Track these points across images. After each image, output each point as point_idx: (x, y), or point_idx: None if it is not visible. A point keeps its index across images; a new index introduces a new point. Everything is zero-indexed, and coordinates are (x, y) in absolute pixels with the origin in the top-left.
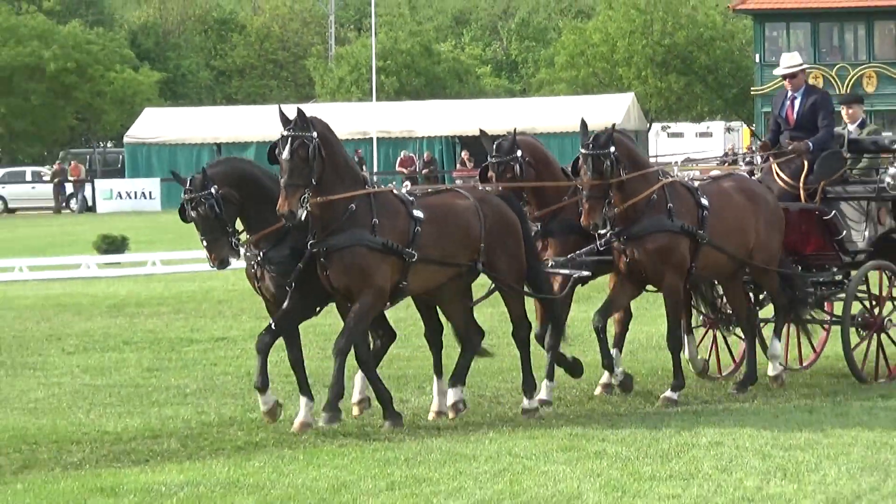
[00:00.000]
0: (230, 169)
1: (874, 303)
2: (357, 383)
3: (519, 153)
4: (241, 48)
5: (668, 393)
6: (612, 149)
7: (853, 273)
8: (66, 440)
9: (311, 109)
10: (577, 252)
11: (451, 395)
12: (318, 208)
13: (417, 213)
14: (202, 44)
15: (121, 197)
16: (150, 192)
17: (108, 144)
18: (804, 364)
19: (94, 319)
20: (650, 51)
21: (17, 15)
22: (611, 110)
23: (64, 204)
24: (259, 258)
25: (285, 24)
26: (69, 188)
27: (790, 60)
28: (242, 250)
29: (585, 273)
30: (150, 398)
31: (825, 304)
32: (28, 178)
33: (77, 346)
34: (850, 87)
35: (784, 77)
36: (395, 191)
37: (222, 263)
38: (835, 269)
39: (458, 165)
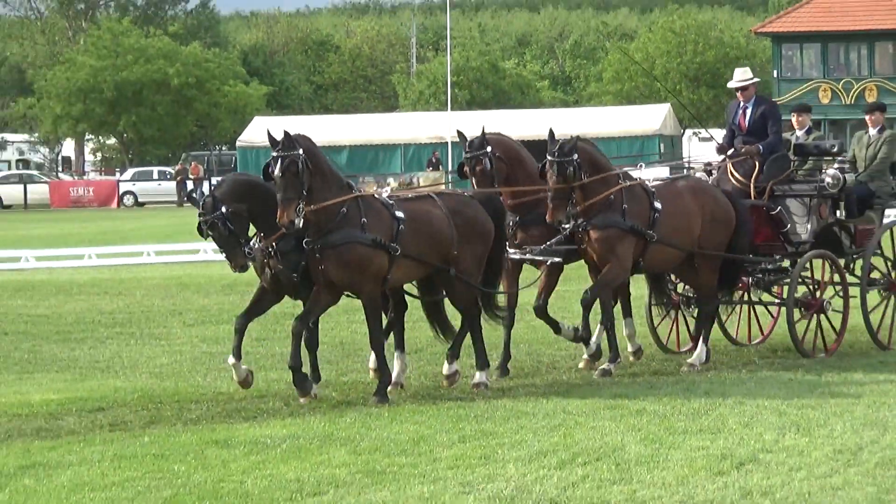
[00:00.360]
0: (234, 186)
1: (816, 287)
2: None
3: (489, 149)
4: (336, 66)
5: (607, 365)
6: (575, 156)
7: (798, 261)
8: (186, 399)
9: (395, 118)
10: (550, 242)
11: (448, 368)
12: (312, 213)
13: (399, 214)
14: (303, 62)
15: None
16: None
17: (223, 148)
18: (755, 342)
19: (211, 296)
20: (684, 67)
21: (146, 38)
22: (650, 118)
23: (185, 198)
24: (270, 251)
25: (374, 45)
26: (190, 185)
27: (742, 75)
28: (253, 243)
29: (557, 259)
30: (258, 364)
31: (773, 288)
32: (155, 176)
33: (196, 320)
34: (854, 99)
35: (736, 89)
36: (376, 195)
37: (242, 268)
38: (779, 258)
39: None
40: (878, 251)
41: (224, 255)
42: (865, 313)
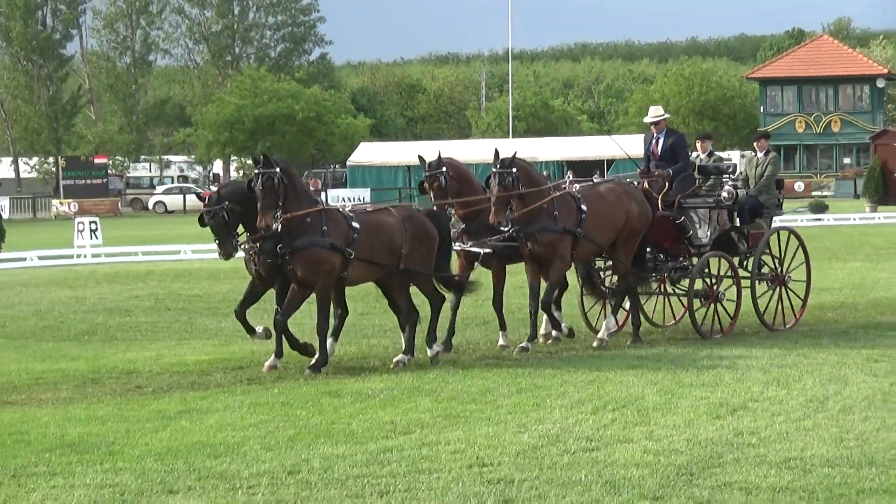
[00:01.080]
0: (235, 190)
1: (713, 281)
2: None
3: (444, 169)
4: (424, 103)
5: (524, 343)
6: (514, 169)
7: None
8: (306, 360)
9: (469, 144)
10: (487, 238)
11: (431, 351)
12: (284, 221)
13: (355, 225)
14: (398, 100)
15: (345, 201)
16: (363, 198)
17: (336, 166)
18: (668, 324)
19: None
20: (691, 104)
21: (278, 82)
22: None
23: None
24: (256, 249)
25: (452, 87)
26: None
27: (655, 112)
28: (242, 244)
29: (488, 249)
30: (362, 332)
31: (679, 281)
32: None
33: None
34: (823, 129)
35: (651, 124)
36: (339, 209)
37: (228, 256)
38: (682, 258)
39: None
40: (768, 251)
41: (216, 241)
42: (755, 301)
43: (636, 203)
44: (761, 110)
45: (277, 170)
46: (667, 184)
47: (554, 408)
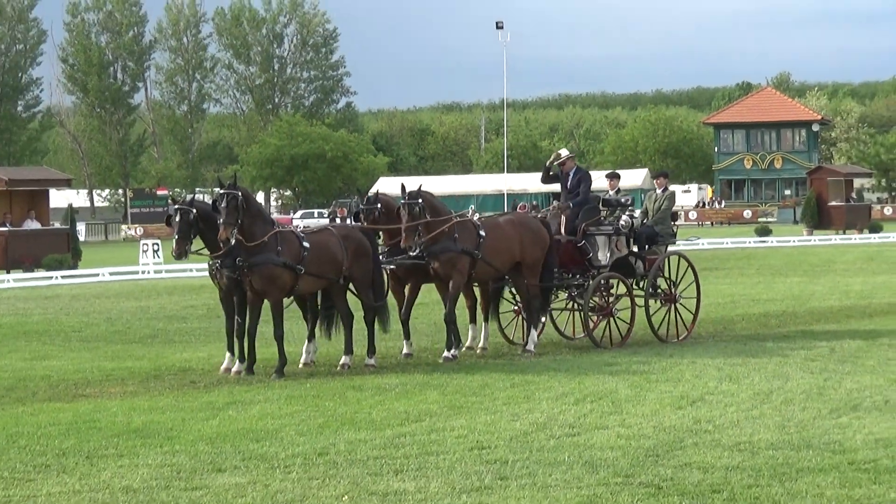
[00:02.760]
0: (207, 210)
1: (608, 297)
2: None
3: (379, 205)
4: (433, 144)
5: (445, 353)
6: (420, 200)
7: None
8: (335, 359)
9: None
10: (396, 257)
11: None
12: (240, 239)
13: (305, 244)
14: (411, 142)
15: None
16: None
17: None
18: (578, 336)
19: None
20: (657, 145)
21: (310, 126)
22: (634, 178)
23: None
24: (219, 263)
25: (457, 131)
26: (338, 221)
27: (564, 153)
28: (208, 259)
29: (391, 266)
30: (381, 337)
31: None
32: (315, 215)
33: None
34: (767, 166)
35: (560, 163)
36: (293, 230)
37: (180, 256)
38: (579, 277)
39: (551, 206)
40: (661, 274)
41: (175, 238)
42: (648, 316)
43: (531, 231)
44: (716, 150)
45: (239, 193)
46: (565, 216)
47: (542, 399)
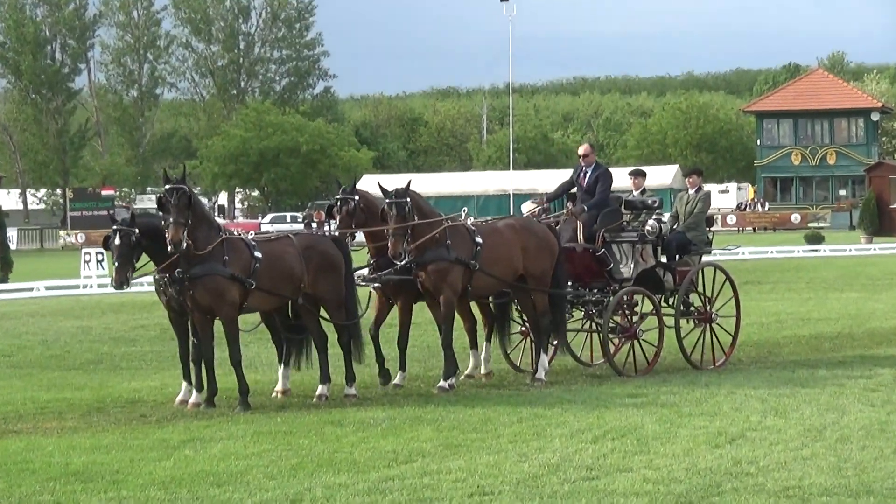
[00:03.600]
0: (150, 224)
1: (633, 317)
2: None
3: (356, 197)
4: (426, 136)
5: (441, 382)
6: (408, 199)
7: (613, 295)
8: (309, 389)
9: (470, 176)
10: (382, 272)
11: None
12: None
13: (257, 254)
14: (400, 133)
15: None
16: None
17: None
18: (597, 362)
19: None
20: (688, 137)
21: (282, 115)
22: (662, 176)
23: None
24: (166, 279)
25: (454, 120)
26: (314, 226)
27: (584, 148)
28: (152, 273)
29: (377, 285)
30: (364, 362)
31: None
32: (287, 220)
33: None
34: (818, 162)
35: (581, 156)
36: (242, 237)
37: (121, 285)
38: (597, 292)
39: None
40: (694, 289)
41: (116, 265)
42: (679, 338)
43: (535, 237)
44: (758, 143)
45: (187, 189)
46: (578, 220)
47: (554, 437)
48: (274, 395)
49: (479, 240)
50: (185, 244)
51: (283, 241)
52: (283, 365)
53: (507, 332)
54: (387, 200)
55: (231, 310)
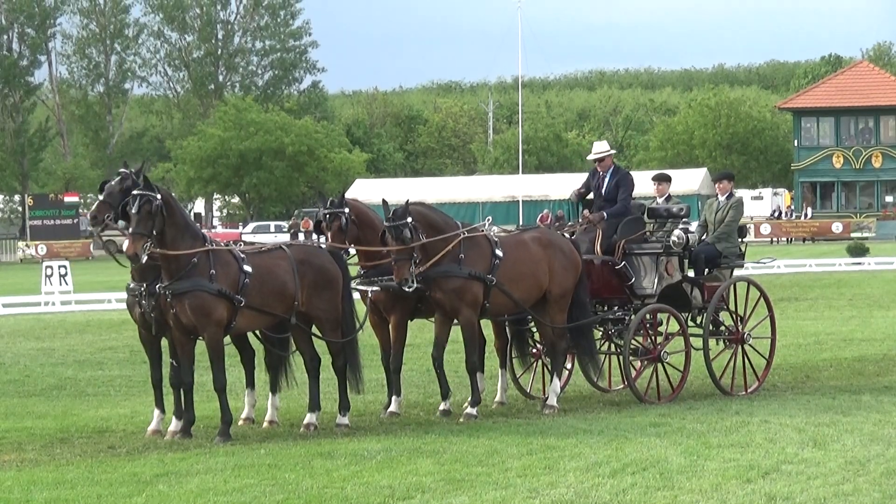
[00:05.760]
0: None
1: (655, 337)
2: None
3: (347, 210)
4: (425, 136)
5: (468, 409)
6: (409, 219)
7: (635, 313)
8: (296, 418)
9: (474, 180)
10: (378, 278)
11: (308, 418)
12: (164, 259)
13: (247, 268)
14: (397, 133)
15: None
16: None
17: None
18: (616, 387)
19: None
20: (718, 137)
21: (265, 113)
22: (690, 181)
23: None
24: (142, 291)
25: (457, 119)
26: (301, 237)
27: (600, 147)
28: (127, 284)
29: (375, 288)
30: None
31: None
32: (272, 229)
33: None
34: (863, 165)
35: (595, 161)
36: (231, 249)
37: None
38: (616, 307)
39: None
40: (725, 306)
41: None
42: (708, 361)
43: (562, 254)
44: (795, 144)
45: (158, 196)
46: (599, 230)
47: (568, 471)
48: (266, 425)
49: (499, 252)
50: (143, 258)
51: (275, 253)
52: (271, 393)
53: (525, 354)
54: (385, 224)
55: (217, 330)
